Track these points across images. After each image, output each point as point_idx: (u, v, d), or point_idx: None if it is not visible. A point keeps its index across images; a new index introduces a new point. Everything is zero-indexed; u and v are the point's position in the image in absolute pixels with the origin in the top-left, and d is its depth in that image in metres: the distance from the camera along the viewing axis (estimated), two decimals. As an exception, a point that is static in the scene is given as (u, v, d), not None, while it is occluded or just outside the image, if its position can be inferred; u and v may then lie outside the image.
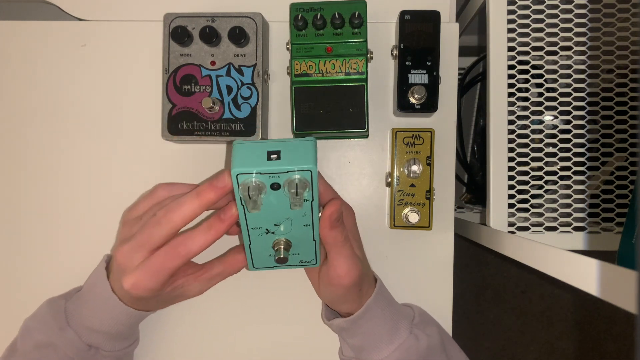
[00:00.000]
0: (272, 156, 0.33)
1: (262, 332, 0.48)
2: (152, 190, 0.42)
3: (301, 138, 0.35)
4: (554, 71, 0.51)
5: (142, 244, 0.37)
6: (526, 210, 0.51)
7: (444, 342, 0.44)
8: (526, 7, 0.50)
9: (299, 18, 0.44)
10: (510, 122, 0.49)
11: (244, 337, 0.48)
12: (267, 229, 0.37)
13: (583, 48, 0.51)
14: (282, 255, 0.38)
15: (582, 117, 0.51)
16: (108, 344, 0.41)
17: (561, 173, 0.51)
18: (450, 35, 0.48)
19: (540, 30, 0.50)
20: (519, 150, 0.51)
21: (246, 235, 0.38)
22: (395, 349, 0.41)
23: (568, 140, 0.51)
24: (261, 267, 0.41)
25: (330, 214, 0.37)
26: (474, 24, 0.63)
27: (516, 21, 0.50)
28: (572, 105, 0.51)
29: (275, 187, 0.34)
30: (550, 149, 0.51)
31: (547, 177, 0.51)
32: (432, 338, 0.43)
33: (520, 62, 0.50)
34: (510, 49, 0.49)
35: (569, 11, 0.50)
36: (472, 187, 0.72)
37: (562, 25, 0.50)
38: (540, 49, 0.50)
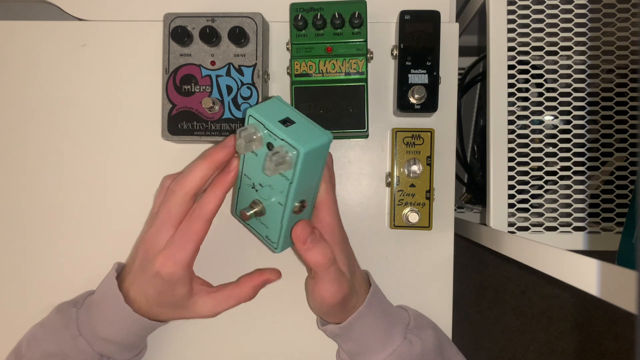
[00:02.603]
0: (286, 123, 0.34)
1: (262, 334, 0.48)
2: (160, 184, 0.42)
3: (323, 129, 0.36)
4: (554, 71, 0.51)
5: (165, 220, 0.38)
6: (526, 210, 0.51)
7: (441, 346, 0.44)
8: (526, 7, 0.50)
9: (299, 18, 0.44)
10: (510, 122, 0.49)
11: (245, 339, 0.48)
12: (253, 184, 0.38)
13: (583, 48, 0.50)
14: (247, 213, 0.38)
15: (582, 117, 0.51)
16: (120, 353, 0.41)
17: (561, 173, 0.51)
18: (450, 35, 0.48)
19: (540, 30, 0.50)
20: (519, 150, 0.51)
21: (239, 179, 0.39)
22: (388, 355, 0.41)
23: (568, 140, 0.51)
24: (238, 218, 0.43)
25: (297, 236, 0.37)
26: (474, 24, 0.63)
27: (516, 21, 0.49)
28: (572, 105, 0.51)
29: (269, 147, 0.35)
30: (550, 149, 0.51)
31: (547, 177, 0.51)
32: (426, 343, 0.42)
33: (520, 62, 0.50)
34: (510, 49, 0.49)
35: (569, 11, 0.50)
36: (472, 187, 0.72)
37: (562, 25, 0.50)
38: (540, 49, 0.50)
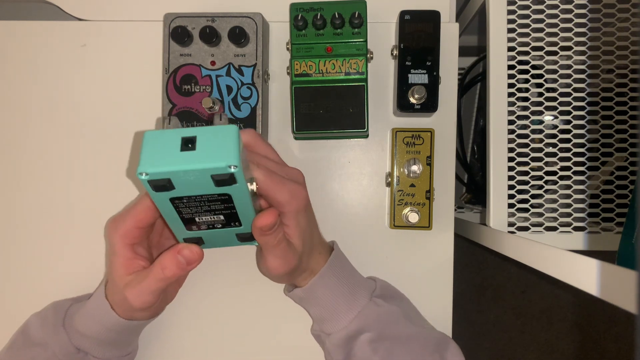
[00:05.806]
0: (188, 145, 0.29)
1: (257, 330, 0.48)
2: None
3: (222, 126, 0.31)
4: (554, 71, 0.51)
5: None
6: (526, 210, 0.51)
7: (409, 313, 0.44)
8: (526, 7, 0.50)
9: (299, 18, 0.44)
10: (510, 122, 0.49)
11: (241, 337, 0.48)
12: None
13: (583, 48, 0.50)
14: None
15: (582, 117, 0.51)
16: (97, 349, 0.41)
17: (561, 173, 0.51)
18: (450, 35, 0.48)
19: (540, 30, 0.50)
20: (519, 150, 0.51)
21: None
22: (355, 317, 0.41)
23: (568, 140, 0.51)
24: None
25: (261, 226, 0.35)
26: (474, 24, 0.63)
27: (516, 21, 0.49)
28: (572, 105, 0.51)
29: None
30: (550, 149, 0.51)
31: (547, 177, 0.51)
32: (393, 307, 0.42)
33: (520, 62, 0.50)
34: (510, 49, 0.49)
35: (569, 11, 0.50)
36: (472, 187, 0.72)
37: (562, 25, 0.50)
38: (540, 49, 0.50)
